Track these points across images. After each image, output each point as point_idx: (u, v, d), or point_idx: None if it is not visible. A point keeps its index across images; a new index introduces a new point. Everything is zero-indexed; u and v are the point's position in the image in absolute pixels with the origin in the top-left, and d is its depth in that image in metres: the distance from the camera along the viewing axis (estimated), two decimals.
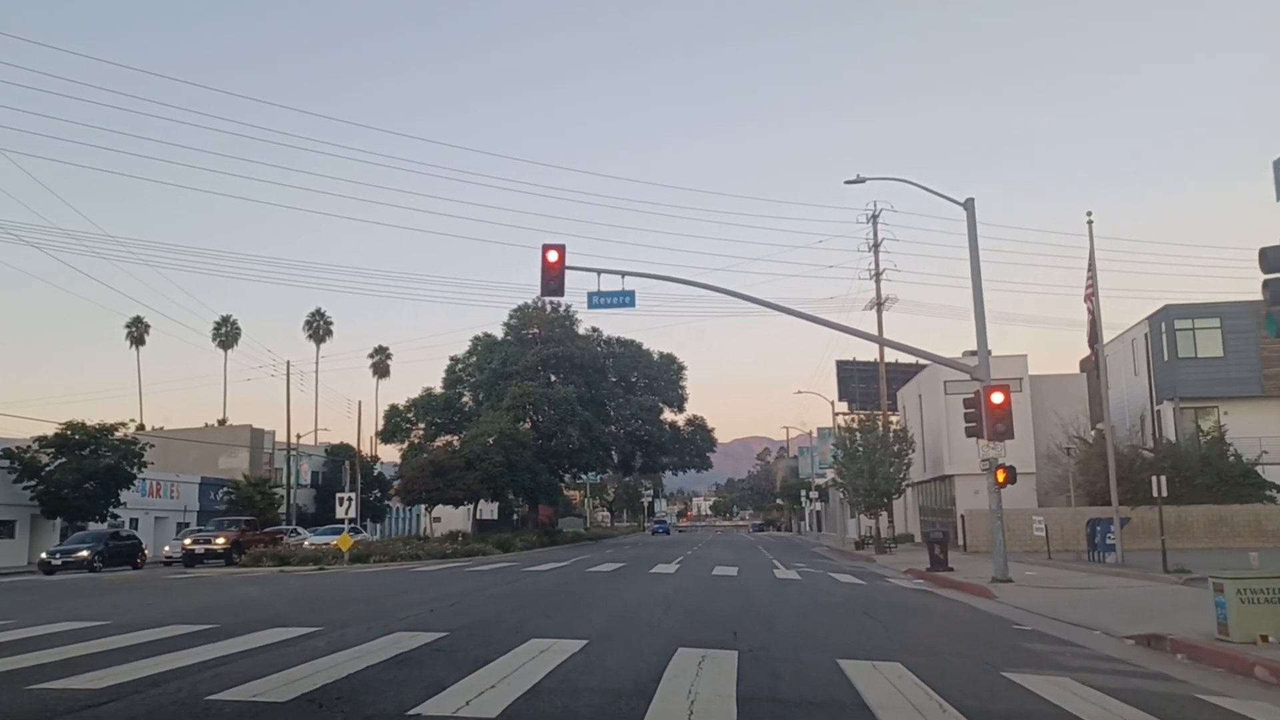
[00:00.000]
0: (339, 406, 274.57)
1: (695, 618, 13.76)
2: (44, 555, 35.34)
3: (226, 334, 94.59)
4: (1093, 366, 50.84)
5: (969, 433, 23.10)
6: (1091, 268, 26.55)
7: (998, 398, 22.10)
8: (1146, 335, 43.20)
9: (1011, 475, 22.27)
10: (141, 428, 74.97)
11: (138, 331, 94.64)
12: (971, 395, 23.40)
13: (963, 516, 39.70)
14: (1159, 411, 42.60)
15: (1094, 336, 26.76)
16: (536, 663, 9.03)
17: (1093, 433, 41.86)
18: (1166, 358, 41.69)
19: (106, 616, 13.78)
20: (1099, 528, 27.97)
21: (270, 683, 7.81)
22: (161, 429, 75.38)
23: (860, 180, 24.80)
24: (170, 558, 39.87)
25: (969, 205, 23.98)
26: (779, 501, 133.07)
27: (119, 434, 47.76)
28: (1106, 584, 20.99)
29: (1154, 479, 23.84)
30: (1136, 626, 13.12)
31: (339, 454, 69.22)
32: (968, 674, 9.29)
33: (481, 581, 21.97)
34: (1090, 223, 26.58)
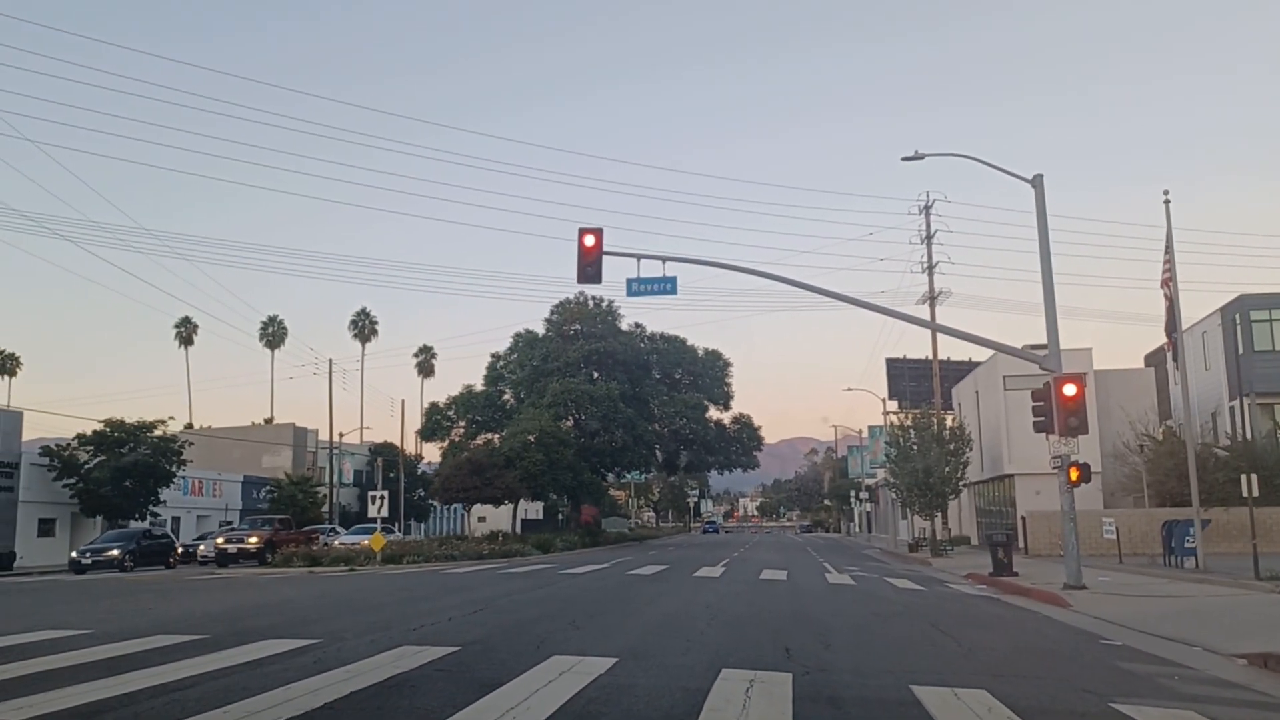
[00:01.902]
0: (384, 406, 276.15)
1: (742, 630, 12.26)
2: (74, 554, 34.76)
3: (274, 333, 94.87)
4: (1160, 360, 48.62)
5: (1038, 428, 21.32)
6: (1169, 250, 24.58)
7: (1070, 389, 20.32)
8: (1219, 327, 40.89)
9: (1085, 473, 20.50)
10: (189, 426, 75.04)
11: (186, 331, 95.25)
12: (1036, 389, 21.66)
13: (1023, 518, 37.80)
14: (1232, 407, 40.28)
15: (1172, 324, 24.81)
16: (553, 689, 7.63)
17: (1161, 429, 39.71)
18: (1241, 350, 39.38)
19: (94, 624, 12.63)
20: (1176, 530, 26.08)
21: (227, 715, 6.49)
22: (209, 428, 75.45)
23: (918, 157, 23.12)
24: (205, 557, 39.17)
25: (1037, 182, 22.23)
26: (827, 502, 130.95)
27: (158, 431, 47.26)
28: (1192, 591, 19.19)
29: (1244, 478, 22.02)
30: (1245, 643, 11.48)
31: (382, 453, 68.58)
32: (1069, 705, 7.75)
33: (512, 585, 20.64)
34: (1167, 202, 24.63)
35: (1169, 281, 24.76)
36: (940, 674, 8.99)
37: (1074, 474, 20.31)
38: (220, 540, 38.33)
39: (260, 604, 16.62)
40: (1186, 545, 25.19)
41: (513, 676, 8.18)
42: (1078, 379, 20.74)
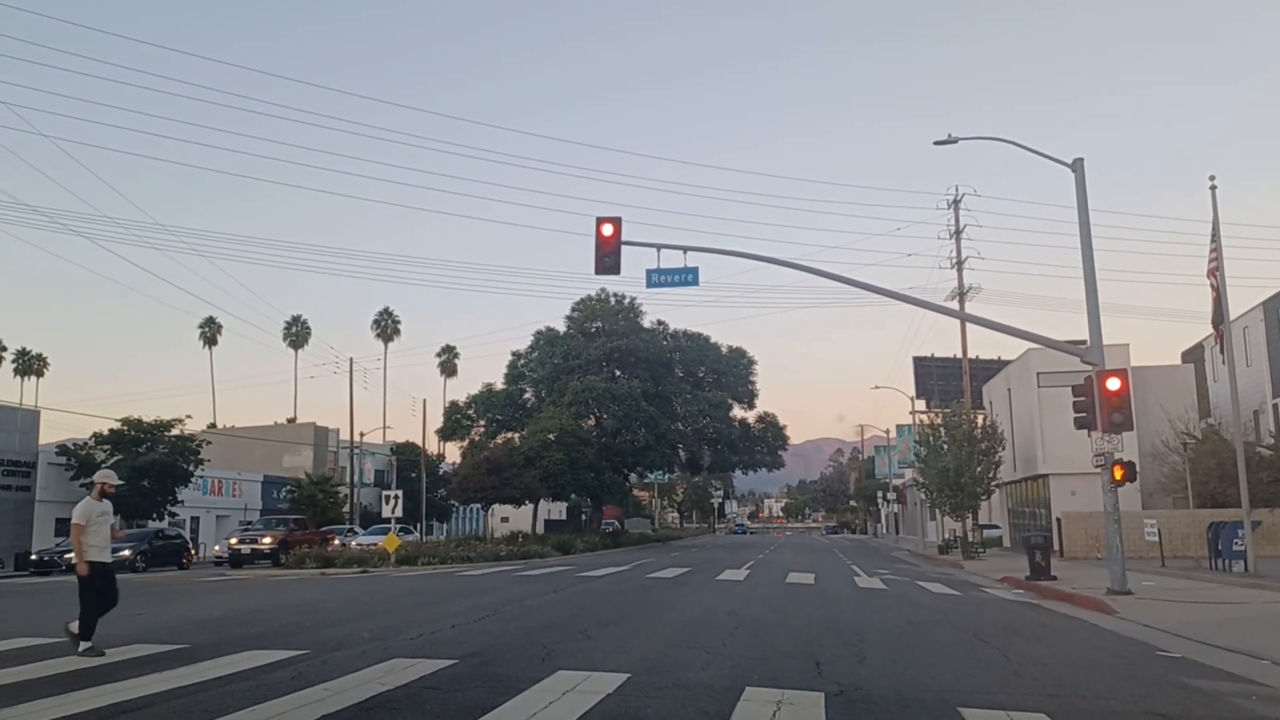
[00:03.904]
0: (406, 405, 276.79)
1: (767, 641, 11.29)
2: None
3: (297, 333, 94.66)
4: (1199, 357, 47.16)
5: (1079, 424, 20.21)
6: (1215, 239, 23.39)
7: (1114, 384, 19.22)
8: (1262, 321, 39.49)
9: (1131, 472, 19.43)
10: (212, 426, 74.78)
11: (210, 332, 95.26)
12: (1076, 384, 20.54)
13: (1059, 519, 36.57)
14: (1276, 404, 38.87)
15: (1219, 316, 23.60)
16: (553, 712, 6.73)
17: (1201, 426, 38.37)
18: None
19: None
20: (1224, 532, 24.86)
21: None
22: (231, 427, 75.22)
23: (952, 140, 22.02)
24: (220, 558, 38.57)
25: (1077, 166, 21.12)
26: (853, 503, 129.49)
27: (175, 430, 46.72)
28: (1246, 597, 18.05)
29: None
30: None
31: (404, 452, 67.93)
32: None
33: (526, 589, 19.75)
34: (1213, 188, 23.45)
35: (1215, 271, 23.57)
36: (990, 693, 8.02)
37: (1119, 472, 19.23)
38: (233, 540, 37.69)
39: (258, 609, 15.78)
40: (1235, 548, 24.00)
41: (510, 696, 7.29)
42: (1121, 373, 19.66)
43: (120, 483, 12.24)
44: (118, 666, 8.74)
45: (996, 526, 50.37)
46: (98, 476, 11.21)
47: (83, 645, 9.70)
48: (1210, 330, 26.25)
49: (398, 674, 8.25)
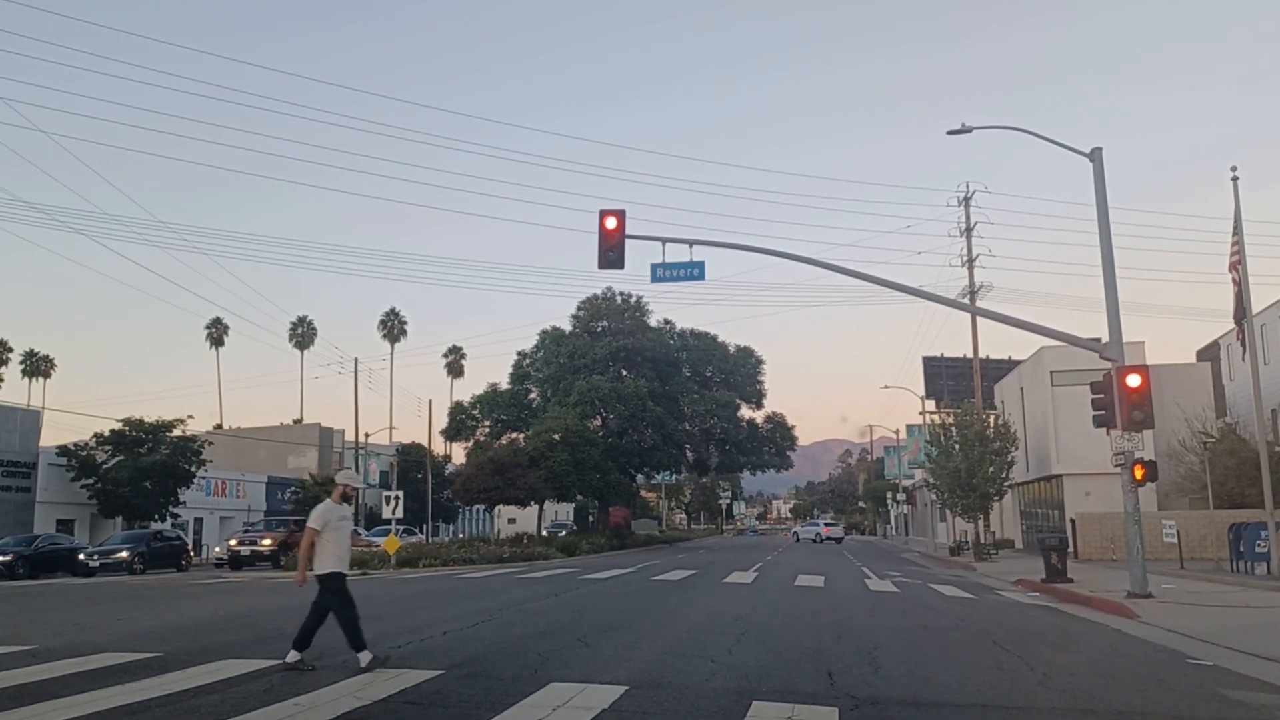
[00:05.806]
0: (413, 406, 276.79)
1: (776, 648, 10.66)
2: (81, 556, 33.55)
3: (303, 334, 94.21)
4: (1214, 355, 46.38)
5: (1098, 422, 19.54)
6: (1237, 231, 22.77)
7: (1134, 380, 18.56)
8: None
9: (1152, 471, 18.78)
10: (219, 427, 74.37)
11: (217, 332, 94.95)
12: (1095, 381, 19.88)
13: (1073, 520, 35.86)
14: None
15: (1240, 310, 22.96)
16: None
17: (1219, 425, 37.63)
18: None
19: (45, 638, 11.25)
20: (1246, 533, 24.20)
21: None
22: (238, 428, 74.83)
23: (966, 130, 21.35)
24: (219, 559, 38.09)
25: (1095, 156, 20.46)
26: (862, 504, 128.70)
27: (176, 431, 46.25)
28: (1273, 601, 17.46)
29: None
30: None
31: (410, 453, 67.36)
32: None
33: (526, 592, 19.14)
34: (1235, 179, 22.82)
35: (1237, 265, 22.93)
36: (1018, 707, 7.41)
37: (1139, 472, 18.58)
38: (233, 542, 37.17)
39: (246, 613, 15.18)
40: (1257, 549, 23.39)
41: (496, 711, 6.70)
42: (1142, 369, 19.03)
43: (362, 485, 11.07)
44: (79, 678, 8.15)
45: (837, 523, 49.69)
46: (339, 477, 10.11)
47: (365, 658, 8.87)
48: (1231, 326, 25.63)
49: (377, 686, 7.68)
